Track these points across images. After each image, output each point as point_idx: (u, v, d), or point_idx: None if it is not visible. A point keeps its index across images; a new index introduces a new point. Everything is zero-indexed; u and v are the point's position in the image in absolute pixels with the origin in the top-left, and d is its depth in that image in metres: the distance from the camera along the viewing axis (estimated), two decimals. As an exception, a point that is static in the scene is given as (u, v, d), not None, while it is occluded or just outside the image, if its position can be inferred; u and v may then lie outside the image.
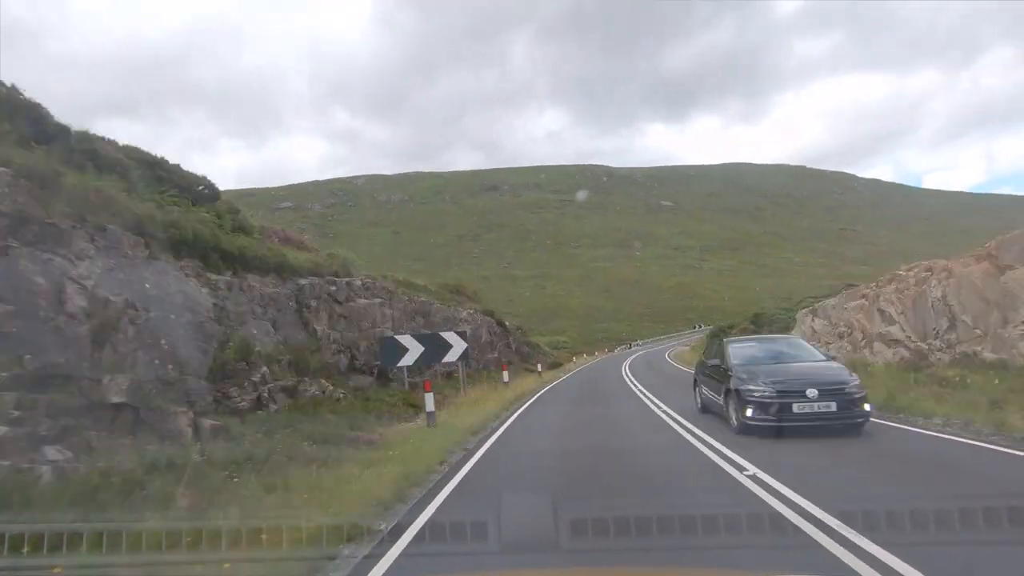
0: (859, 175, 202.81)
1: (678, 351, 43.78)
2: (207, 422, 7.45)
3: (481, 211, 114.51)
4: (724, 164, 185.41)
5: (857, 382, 9.12)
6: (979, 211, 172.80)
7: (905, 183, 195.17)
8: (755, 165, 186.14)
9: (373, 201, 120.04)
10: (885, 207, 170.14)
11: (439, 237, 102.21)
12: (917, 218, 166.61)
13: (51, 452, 5.55)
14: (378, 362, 15.13)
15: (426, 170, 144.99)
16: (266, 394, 9.67)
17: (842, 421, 8.65)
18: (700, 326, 57.97)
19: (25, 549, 3.94)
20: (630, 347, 53.73)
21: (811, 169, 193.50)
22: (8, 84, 10.13)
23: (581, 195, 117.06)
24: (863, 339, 17.09)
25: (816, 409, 8.62)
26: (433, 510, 5.67)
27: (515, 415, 13.94)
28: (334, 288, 15.24)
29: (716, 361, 10.91)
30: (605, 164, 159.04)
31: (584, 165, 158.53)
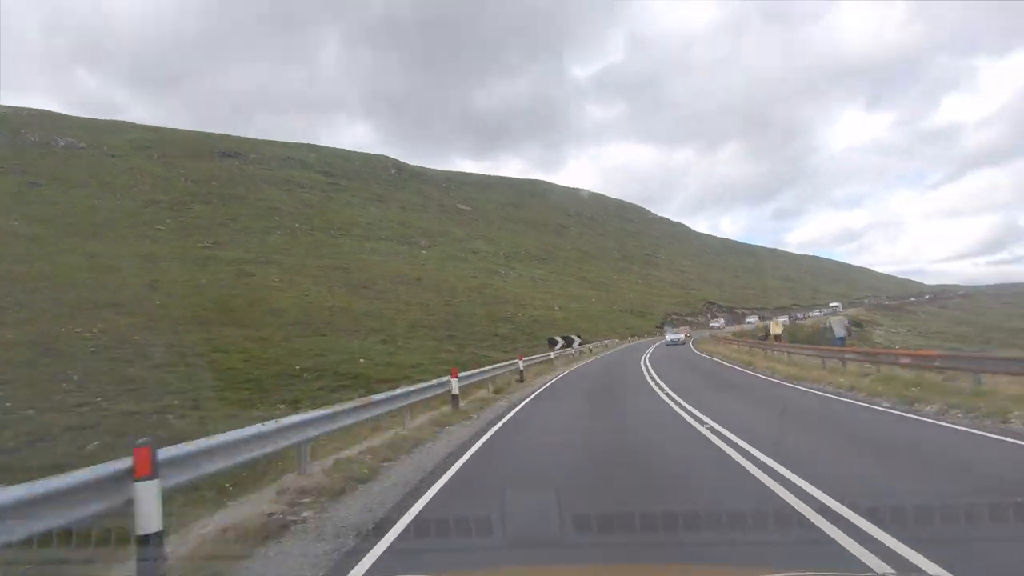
0: (652, 210, 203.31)
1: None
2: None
3: (202, 177, 79.02)
4: (526, 179, 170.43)
5: None
6: (740, 253, 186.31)
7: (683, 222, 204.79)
8: (556, 184, 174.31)
9: (38, 143, 77.62)
10: (676, 241, 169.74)
11: (123, 201, 65.47)
12: (703, 253, 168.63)
13: None
14: None
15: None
16: None
17: None
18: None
19: None
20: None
21: (610, 198, 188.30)
22: None
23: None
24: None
25: None
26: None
27: None
28: None
29: None
30: (396, 157, 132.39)
31: (370, 154, 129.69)
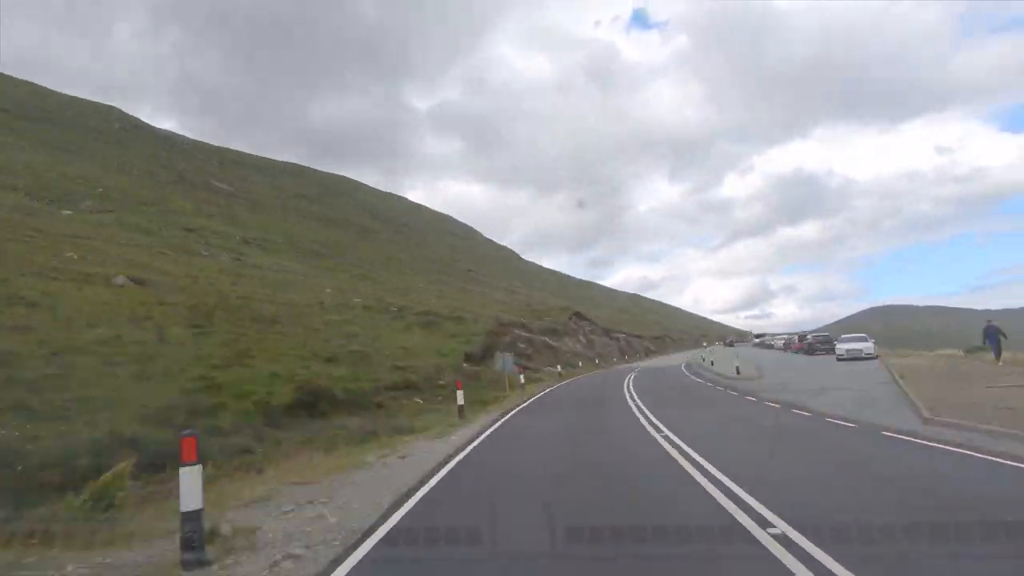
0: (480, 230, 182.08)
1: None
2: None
3: None
4: (330, 174, 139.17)
5: None
6: (569, 284, 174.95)
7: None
8: (367, 185, 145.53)
9: None
10: (505, 263, 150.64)
11: None
12: (534, 279, 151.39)
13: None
14: None
15: None
16: None
17: None
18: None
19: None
20: None
21: (431, 209, 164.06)
22: None
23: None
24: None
25: None
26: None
27: None
28: None
29: None
30: (127, 111, 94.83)
31: (89, 101, 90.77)
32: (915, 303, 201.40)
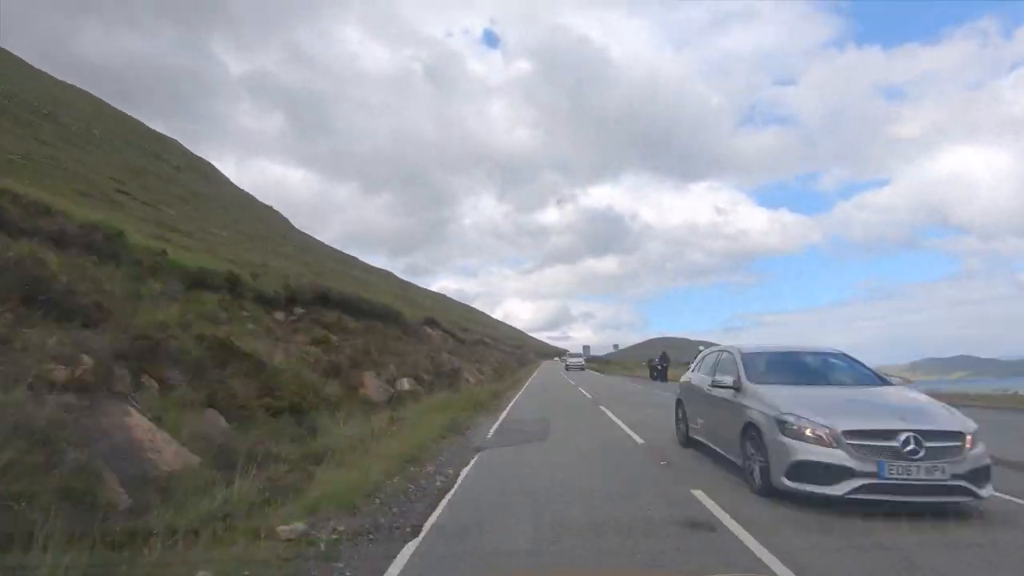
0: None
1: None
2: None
3: None
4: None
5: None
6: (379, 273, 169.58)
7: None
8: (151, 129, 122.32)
9: None
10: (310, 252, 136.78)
11: None
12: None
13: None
14: None
15: None
16: None
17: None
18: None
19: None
20: None
21: (236, 185, 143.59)
22: None
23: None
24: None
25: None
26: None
27: None
28: None
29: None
30: None
31: None
32: (687, 336, 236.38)
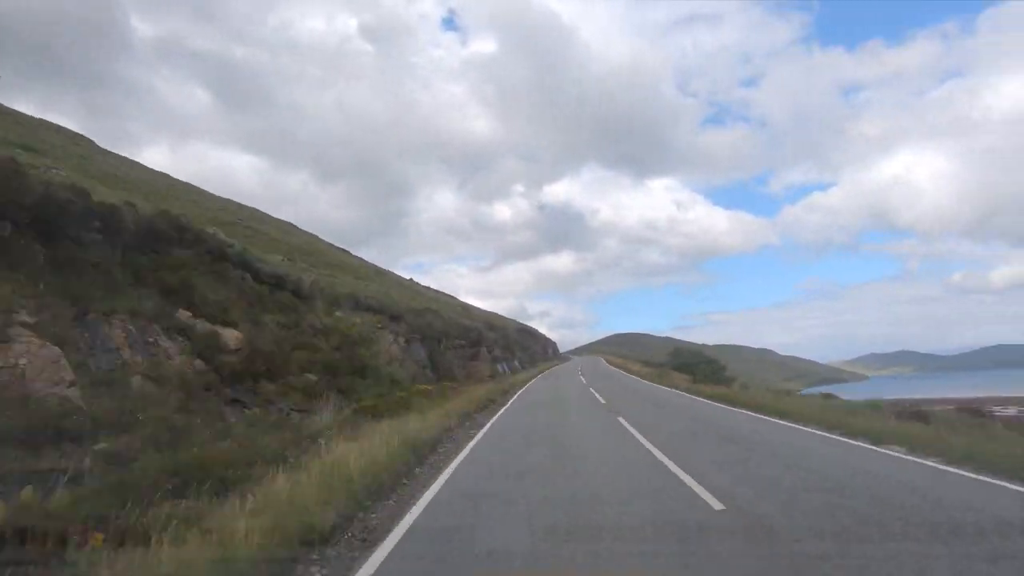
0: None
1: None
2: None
3: None
4: None
5: None
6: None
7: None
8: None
9: None
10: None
11: None
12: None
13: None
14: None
15: None
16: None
17: None
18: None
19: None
20: None
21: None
22: None
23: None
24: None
25: None
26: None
27: None
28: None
29: None
30: None
31: None
32: (648, 333, 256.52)
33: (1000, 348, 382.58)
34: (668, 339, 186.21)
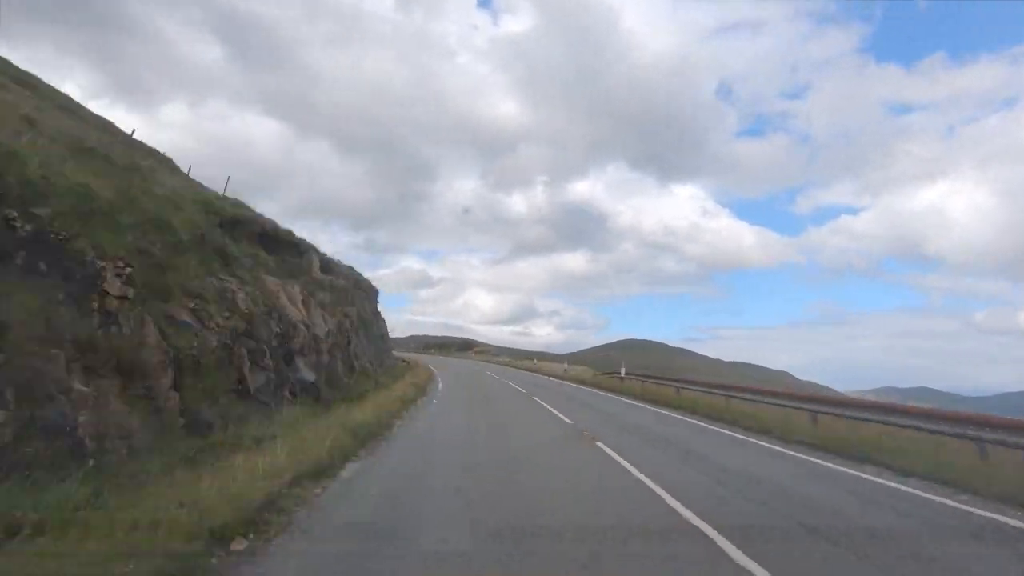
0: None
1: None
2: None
3: None
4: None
5: None
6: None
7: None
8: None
9: None
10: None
11: None
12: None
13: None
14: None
15: None
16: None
17: None
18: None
19: None
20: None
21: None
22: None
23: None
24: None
25: None
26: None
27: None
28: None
29: None
30: None
31: None
32: (662, 342, 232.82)
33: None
34: (682, 350, 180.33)
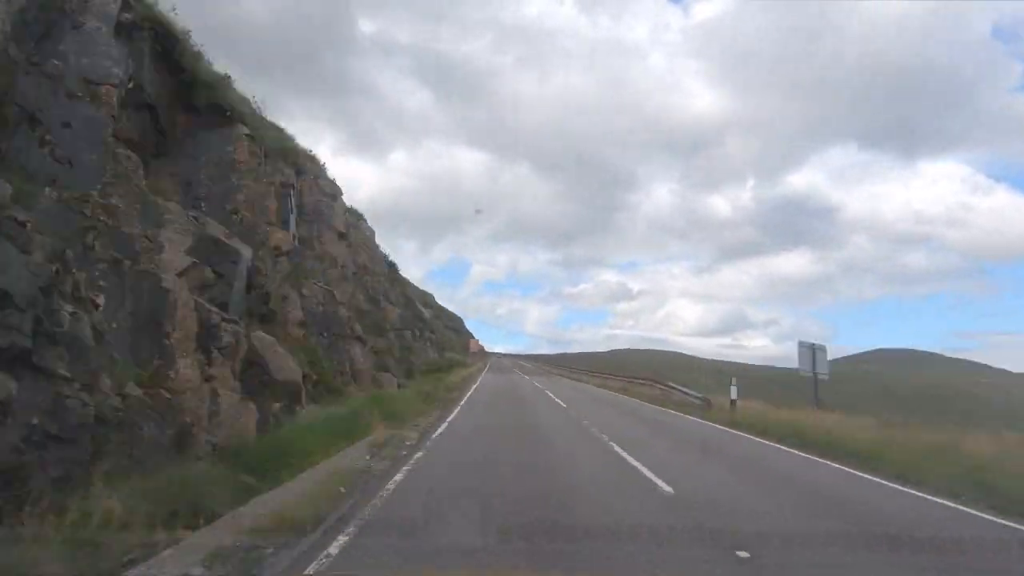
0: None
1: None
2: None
3: None
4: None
5: None
6: None
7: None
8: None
9: None
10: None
11: None
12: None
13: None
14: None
15: None
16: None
17: None
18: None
19: None
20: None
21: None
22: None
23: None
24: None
25: None
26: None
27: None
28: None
29: None
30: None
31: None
32: (924, 350, 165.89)
33: None
34: (968, 362, 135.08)
